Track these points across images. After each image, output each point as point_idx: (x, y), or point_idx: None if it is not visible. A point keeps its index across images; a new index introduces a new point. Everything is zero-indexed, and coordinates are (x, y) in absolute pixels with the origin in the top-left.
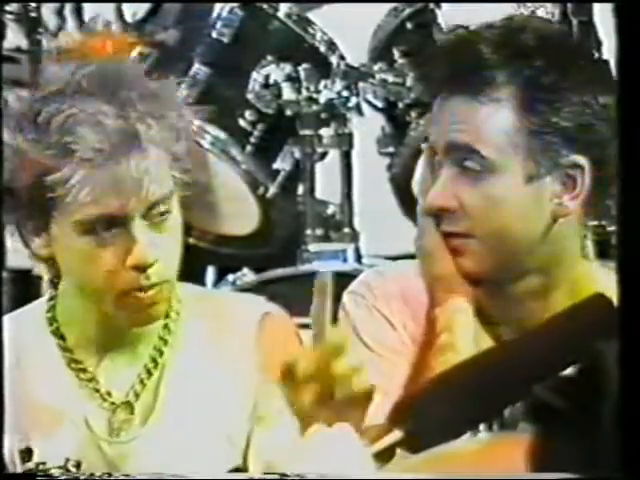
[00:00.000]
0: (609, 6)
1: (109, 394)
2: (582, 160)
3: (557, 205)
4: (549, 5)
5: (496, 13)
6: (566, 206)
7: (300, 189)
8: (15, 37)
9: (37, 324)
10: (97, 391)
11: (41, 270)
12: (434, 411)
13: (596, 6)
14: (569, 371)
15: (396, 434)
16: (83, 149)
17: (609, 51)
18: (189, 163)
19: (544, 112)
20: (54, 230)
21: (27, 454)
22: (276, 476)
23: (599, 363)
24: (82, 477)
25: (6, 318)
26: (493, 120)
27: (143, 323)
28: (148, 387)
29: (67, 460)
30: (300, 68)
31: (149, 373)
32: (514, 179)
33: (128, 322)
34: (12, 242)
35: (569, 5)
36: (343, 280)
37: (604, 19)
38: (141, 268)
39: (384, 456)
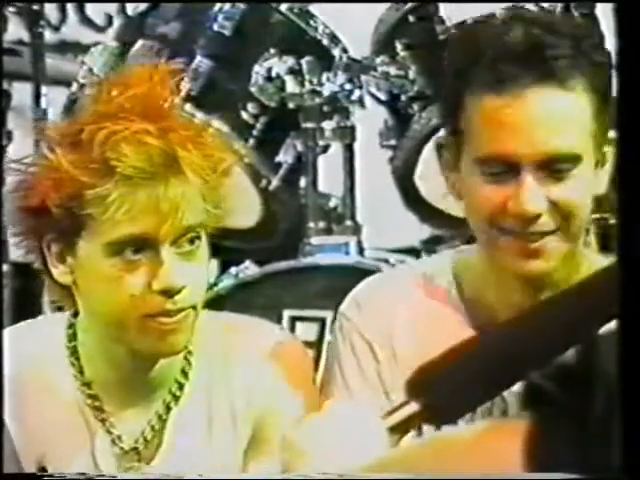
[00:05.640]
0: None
1: (120, 439)
2: None
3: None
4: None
5: (498, 5)
6: None
7: (302, 182)
8: (17, 30)
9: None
10: (110, 433)
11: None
12: (451, 384)
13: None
14: (566, 357)
15: (412, 407)
16: (124, 166)
17: (611, 45)
18: (221, 196)
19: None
20: (81, 252)
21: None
22: (279, 476)
23: (598, 350)
24: (88, 477)
25: (23, 328)
26: (575, 111)
27: (163, 352)
28: (157, 431)
29: None
30: (303, 61)
31: (160, 419)
32: (590, 166)
33: (148, 350)
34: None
35: None
36: (345, 273)
37: (606, 13)
38: (168, 292)
39: (400, 429)
